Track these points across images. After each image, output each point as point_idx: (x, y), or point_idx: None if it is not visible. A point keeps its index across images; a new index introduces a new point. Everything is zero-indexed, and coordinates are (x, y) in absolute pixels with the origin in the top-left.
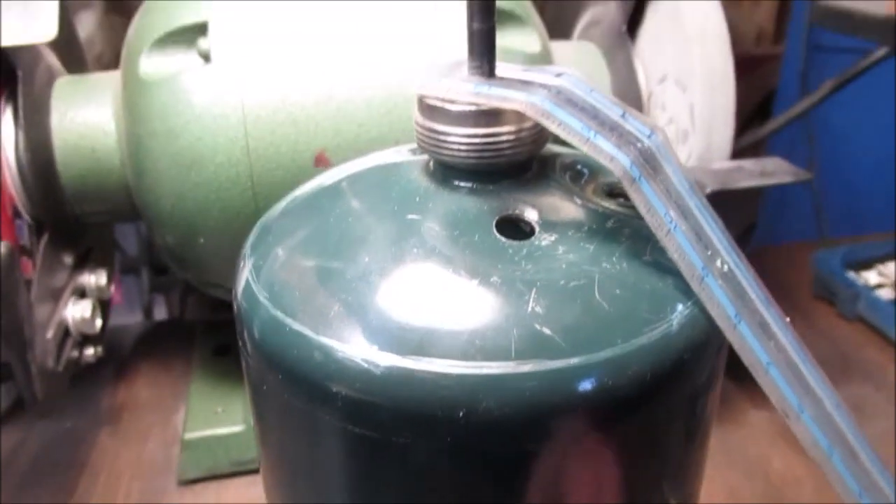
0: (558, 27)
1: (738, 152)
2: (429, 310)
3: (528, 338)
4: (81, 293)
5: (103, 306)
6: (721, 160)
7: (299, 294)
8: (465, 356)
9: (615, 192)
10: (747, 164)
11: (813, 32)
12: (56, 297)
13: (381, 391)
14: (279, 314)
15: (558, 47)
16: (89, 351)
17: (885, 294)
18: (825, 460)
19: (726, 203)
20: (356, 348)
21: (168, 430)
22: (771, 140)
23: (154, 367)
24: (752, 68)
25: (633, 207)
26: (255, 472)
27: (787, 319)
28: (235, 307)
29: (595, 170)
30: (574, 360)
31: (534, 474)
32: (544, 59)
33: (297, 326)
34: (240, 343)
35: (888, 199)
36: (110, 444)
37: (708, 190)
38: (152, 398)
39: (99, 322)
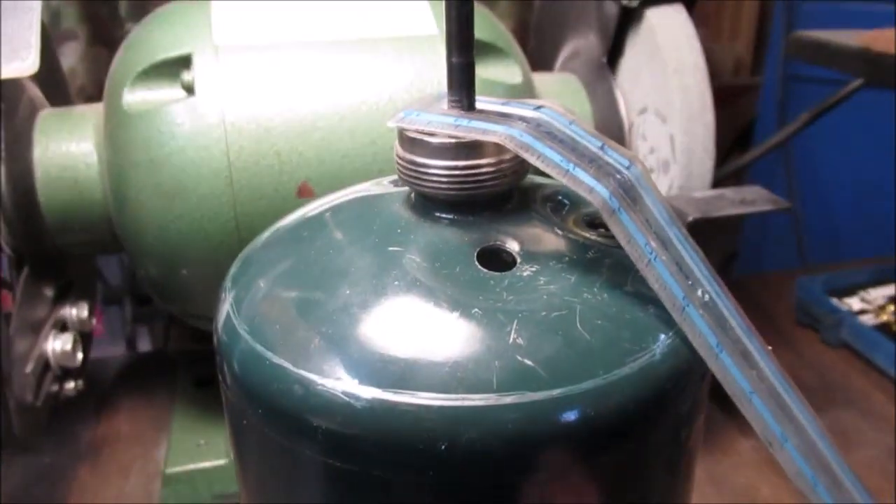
0: (540, 59)
1: (719, 181)
2: (410, 342)
3: (510, 369)
4: (62, 326)
5: (84, 339)
6: (702, 189)
7: (280, 327)
8: (446, 389)
9: (595, 222)
10: (728, 192)
11: (790, 63)
12: (36, 330)
13: (363, 425)
14: (259, 347)
15: (540, 78)
16: (70, 385)
17: (867, 320)
18: (810, 489)
19: (707, 231)
20: (337, 382)
21: (150, 465)
22: (751, 169)
23: (135, 400)
24: (730, 99)
25: (613, 238)
26: None
27: (769, 348)
28: (216, 340)
29: (575, 200)
30: (556, 392)
31: None
32: (526, 89)
33: (276, 360)
34: (219, 377)
35: (868, 225)
36: (90, 480)
37: (689, 218)
38: (133, 432)
39: (80, 355)
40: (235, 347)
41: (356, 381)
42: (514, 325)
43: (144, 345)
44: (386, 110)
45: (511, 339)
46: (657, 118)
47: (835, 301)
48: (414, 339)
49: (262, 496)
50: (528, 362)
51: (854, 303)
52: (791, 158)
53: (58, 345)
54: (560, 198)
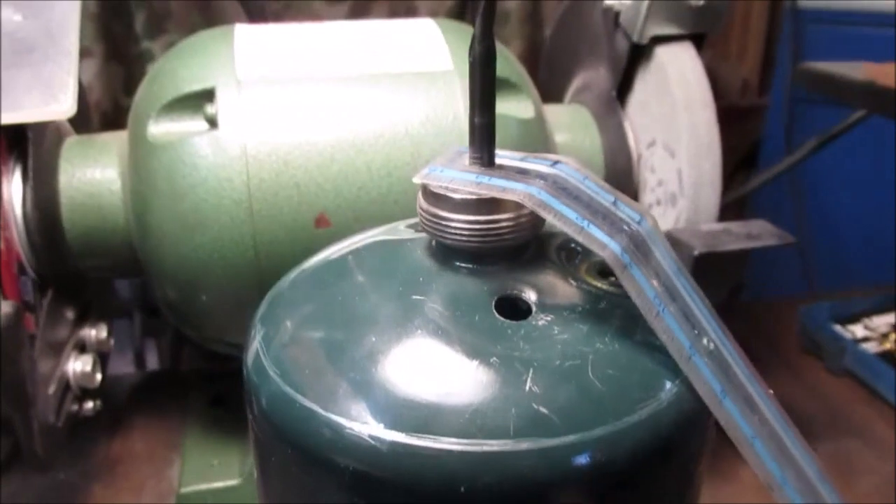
0: (551, 90)
1: (724, 206)
2: (432, 388)
3: (526, 416)
4: (82, 347)
5: (102, 359)
6: (708, 222)
7: (308, 371)
8: (466, 434)
9: (607, 271)
10: (734, 226)
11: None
12: (58, 351)
13: (387, 467)
14: (289, 390)
15: (551, 111)
16: (88, 405)
17: (870, 347)
18: None
19: (714, 265)
20: (363, 426)
21: (162, 483)
22: (758, 195)
23: (149, 419)
24: (737, 119)
25: (622, 286)
26: None
27: (771, 392)
28: (245, 375)
29: (588, 249)
30: (569, 438)
31: None
32: (538, 123)
33: (306, 403)
34: (248, 412)
35: (875, 253)
36: (104, 497)
37: (695, 252)
38: (147, 450)
39: (99, 376)
40: (265, 388)
41: (382, 426)
42: (530, 374)
43: (152, 357)
44: (402, 144)
45: (527, 388)
46: (665, 152)
47: (838, 328)
48: (436, 385)
49: None
50: (543, 410)
51: (858, 330)
52: (798, 185)
53: (78, 366)
54: (573, 245)
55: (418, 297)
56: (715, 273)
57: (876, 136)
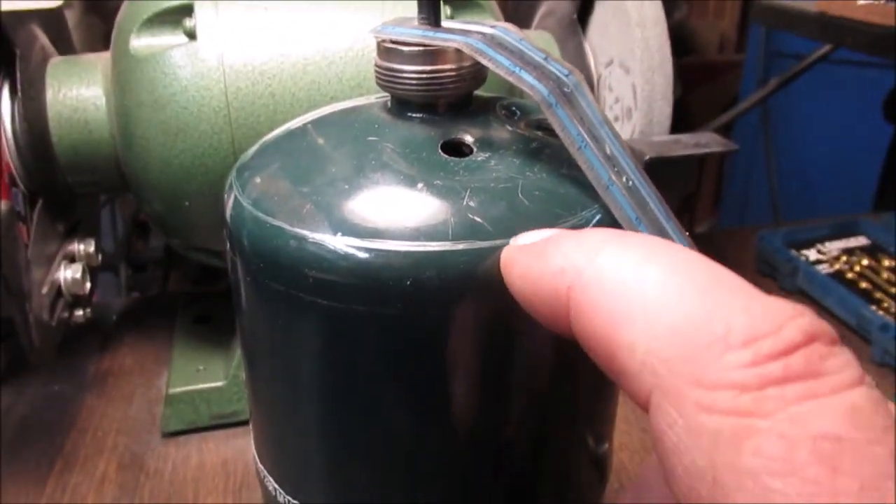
0: (518, 18)
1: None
2: (383, 205)
3: (463, 224)
4: (72, 258)
5: (91, 272)
6: (660, 134)
7: (277, 198)
8: (411, 238)
9: (542, 126)
10: (683, 137)
11: (772, 40)
12: (49, 261)
13: (345, 269)
14: (261, 214)
15: None
16: (79, 312)
17: (823, 269)
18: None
19: (665, 171)
20: (324, 236)
21: (151, 392)
22: (733, 135)
23: (138, 337)
24: (715, 75)
25: (555, 135)
26: (235, 425)
27: (687, 233)
28: (227, 220)
29: (526, 111)
30: (499, 241)
31: (464, 331)
32: None
33: (275, 222)
34: (228, 248)
35: (837, 189)
36: (97, 405)
37: (646, 157)
38: (136, 365)
39: (88, 284)
40: (242, 218)
41: (339, 234)
42: (468, 193)
43: None
44: (370, 57)
45: (465, 203)
46: (621, 69)
47: (793, 252)
48: (386, 203)
49: (262, 341)
50: (478, 219)
51: (811, 254)
52: (769, 128)
53: (68, 274)
54: (514, 108)
55: (373, 139)
56: (666, 179)
57: (848, 80)
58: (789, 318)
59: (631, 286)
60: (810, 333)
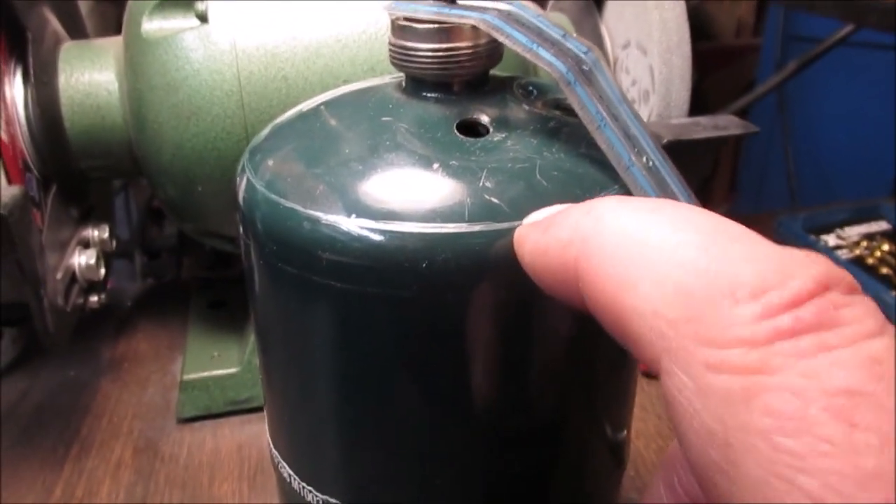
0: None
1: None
2: (398, 186)
3: (479, 205)
4: (86, 244)
5: (106, 258)
6: (678, 117)
7: (291, 180)
8: (427, 219)
9: (560, 105)
10: (702, 120)
11: (790, 23)
12: (63, 246)
13: (358, 250)
14: (274, 196)
15: None
16: (93, 298)
17: (842, 254)
18: None
19: (683, 153)
20: (338, 217)
21: (166, 377)
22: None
23: (152, 323)
24: (732, 59)
25: (574, 114)
26: (249, 411)
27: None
28: (240, 203)
29: (544, 90)
30: (516, 223)
31: (480, 314)
32: None
33: (289, 204)
34: (241, 230)
35: (854, 175)
36: (112, 390)
37: (664, 140)
38: (151, 350)
39: (103, 270)
40: (255, 200)
41: (353, 216)
42: (484, 174)
43: None
44: (384, 40)
45: (481, 184)
46: (639, 51)
47: (812, 237)
48: (401, 184)
49: (275, 325)
50: (495, 200)
51: (830, 239)
52: (787, 110)
53: (83, 259)
54: (531, 87)
55: (387, 119)
56: (684, 162)
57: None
58: (801, 266)
59: (634, 248)
60: (823, 282)
